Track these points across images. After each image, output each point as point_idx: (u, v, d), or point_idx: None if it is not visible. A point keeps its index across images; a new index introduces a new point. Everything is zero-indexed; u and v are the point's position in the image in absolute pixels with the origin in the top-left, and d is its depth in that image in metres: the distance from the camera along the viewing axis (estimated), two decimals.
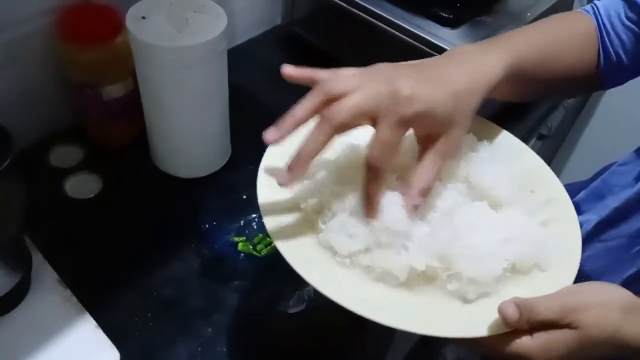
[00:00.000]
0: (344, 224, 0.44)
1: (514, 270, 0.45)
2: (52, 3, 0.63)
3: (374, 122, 0.42)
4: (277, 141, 0.41)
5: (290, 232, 0.45)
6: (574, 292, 0.41)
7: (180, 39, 0.57)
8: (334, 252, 0.44)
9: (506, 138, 0.55)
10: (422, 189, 0.44)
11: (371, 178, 0.43)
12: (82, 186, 0.67)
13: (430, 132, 0.45)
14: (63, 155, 0.70)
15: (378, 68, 0.45)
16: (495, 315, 0.39)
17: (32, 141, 0.70)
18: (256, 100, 0.81)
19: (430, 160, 0.45)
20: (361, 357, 0.60)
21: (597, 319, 0.39)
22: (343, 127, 0.41)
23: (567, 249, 0.46)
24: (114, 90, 0.67)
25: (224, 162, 0.72)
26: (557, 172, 1.45)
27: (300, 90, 0.89)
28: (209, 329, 0.57)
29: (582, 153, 1.41)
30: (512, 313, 0.38)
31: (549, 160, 1.42)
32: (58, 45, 0.64)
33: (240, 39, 0.92)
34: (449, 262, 0.43)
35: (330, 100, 0.42)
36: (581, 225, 0.59)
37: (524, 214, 0.47)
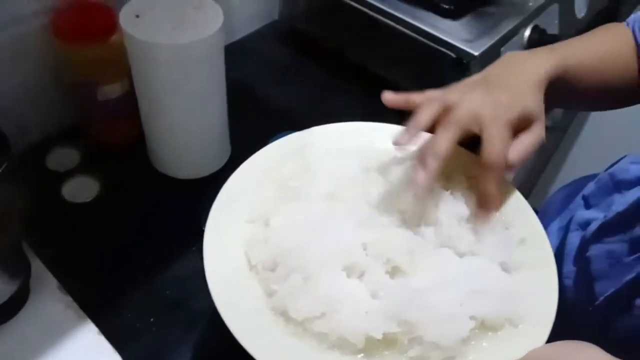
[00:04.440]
0: (300, 285, 0.41)
1: (483, 327, 0.42)
2: (48, 2, 0.61)
3: (480, 129, 0.47)
4: (405, 144, 0.47)
5: (236, 294, 0.42)
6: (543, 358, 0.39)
7: (176, 37, 0.56)
8: (287, 317, 0.41)
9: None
10: (513, 160, 0.47)
11: (491, 177, 0.47)
12: (80, 190, 0.65)
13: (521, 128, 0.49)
14: (60, 158, 0.68)
15: (460, 85, 0.51)
16: None
17: (28, 144, 0.69)
18: (255, 97, 0.80)
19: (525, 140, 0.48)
20: None
21: None
22: (464, 129, 0.47)
23: (543, 298, 0.43)
24: (110, 91, 0.65)
25: (224, 162, 0.70)
26: (559, 165, 1.45)
27: (303, 86, 0.88)
28: (215, 332, 0.56)
29: (586, 145, 1.39)
30: None
31: (551, 153, 1.41)
32: (52, 46, 0.63)
33: (238, 35, 0.90)
34: (409, 326, 0.40)
35: (447, 109, 0.48)
36: (588, 223, 0.59)
37: (494, 262, 0.44)
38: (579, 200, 0.66)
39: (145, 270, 0.60)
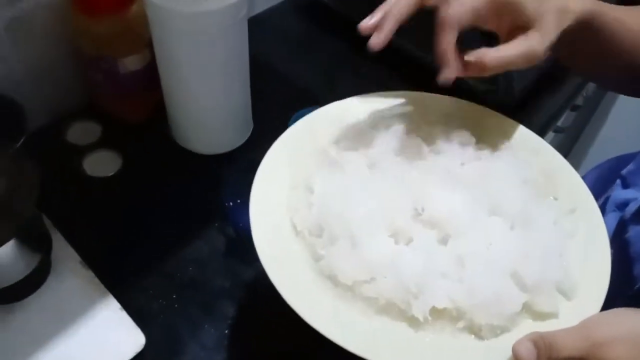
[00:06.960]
0: (348, 250, 0.41)
1: (534, 300, 0.41)
2: None
3: None
4: (369, 28, 0.46)
5: (284, 259, 0.42)
6: (599, 324, 0.37)
7: (199, 4, 0.54)
8: (335, 281, 0.41)
9: (522, 135, 0.51)
10: (490, 62, 0.43)
11: (443, 33, 0.44)
12: (101, 164, 0.64)
13: (514, 25, 0.45)
14: (81, 132, 0.67)
15: None
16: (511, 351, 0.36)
17: (48, 119, 0.68)
18: (277, 73, 0.78)
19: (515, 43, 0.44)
20: None
21: (624, 354, 0.35)
22: None
23: (595, 269, 0.42)
24: (131, 63, 0.64)
25: (246, 138, 0.69)
26: (588, 147, 1.40)
27: (324, 61, 0.85)
28: (236, 311, 0.55)
29: (615, 125, 1.35)
30: (528, 353, 0.35)
31: (578, 134, 1.37)
32: (71, 17, 0.61)
33: (259, 8, 0.88)
34: (458, 306, 0.40)
35: None
36: (627, 204, 0.56)
37: (543, 232, 0.43)
38: (615, 180, 0.63)
39: (167, 246, 0.59)
